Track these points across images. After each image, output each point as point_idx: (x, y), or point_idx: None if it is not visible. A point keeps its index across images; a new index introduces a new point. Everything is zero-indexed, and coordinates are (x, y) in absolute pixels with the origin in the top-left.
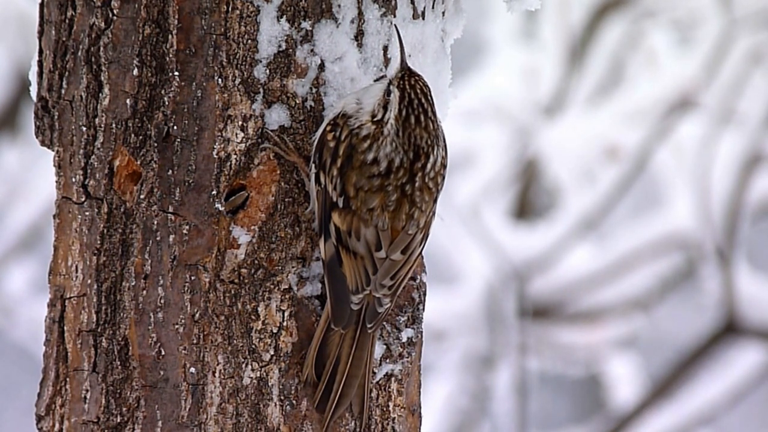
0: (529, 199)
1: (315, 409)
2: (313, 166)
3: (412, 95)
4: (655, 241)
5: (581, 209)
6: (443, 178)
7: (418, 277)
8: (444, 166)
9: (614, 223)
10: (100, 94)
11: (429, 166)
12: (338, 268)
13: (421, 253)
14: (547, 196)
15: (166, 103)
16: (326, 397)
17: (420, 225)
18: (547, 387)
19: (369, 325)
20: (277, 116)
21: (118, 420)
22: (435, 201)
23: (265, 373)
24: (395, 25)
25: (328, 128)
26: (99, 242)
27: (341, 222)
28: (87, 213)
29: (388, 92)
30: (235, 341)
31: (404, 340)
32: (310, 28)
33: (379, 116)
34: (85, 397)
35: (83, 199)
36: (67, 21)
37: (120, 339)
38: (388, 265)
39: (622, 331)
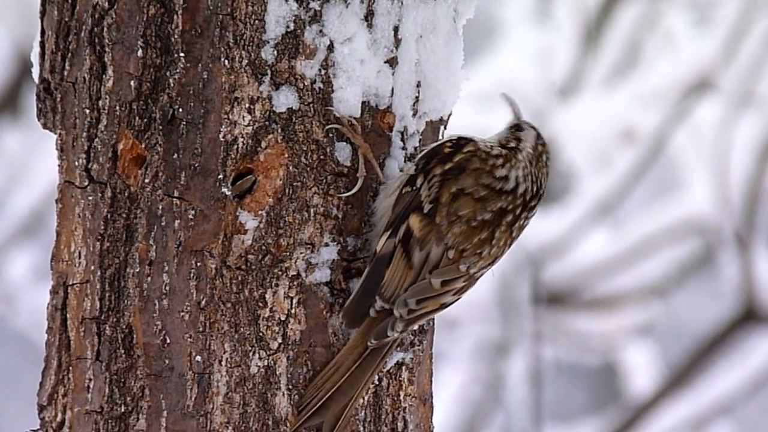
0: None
1: (296, 407)
2: (414, 167)
3: (543, 138)
4: (673, 226)
5: (597, 193)
6: (521, 233)
7: None
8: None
9: (631, 208)
10: (104, 76)
11: (532, 213)
12: (384, 267)
13: (449, 306)
14: (562, 179)
15: (172, 85)
16: (308, 400)
17: (475, 269)
18: (562, 375)
19: (372, 341)
20: (285, 98)
21: (122, 410)
22: (502, 254)
23: (272, 362)
24: (505, 94)
25: (449, 143)
26: (102, 227)
27: (419, 227)
28: (90, 197)
29: (517, 128)
30: (242, 329)
31: (415, 327)
32: (319, 8)
33: (513, 145)
34: (89, 387)
35: (86, 184)
36: (69, 1)
37: (124, 327)
38: (423, 286)
39: (639, 319)
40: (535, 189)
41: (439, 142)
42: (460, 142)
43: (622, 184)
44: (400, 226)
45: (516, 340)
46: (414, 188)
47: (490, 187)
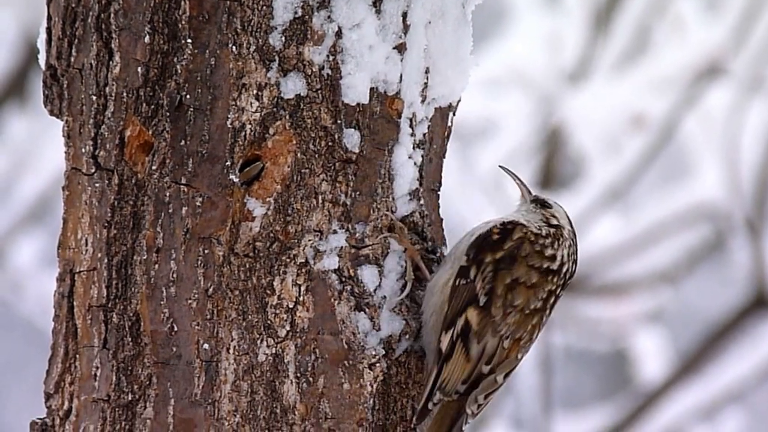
0: (553, 169)
1: None
2: (465, 258)
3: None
4: (683, 212)
5: (607, 179)
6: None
7: (439, 250)
8: None
9: (641, 194)
10: (111, 62)
11: (564, 289)
12: (446, 363)
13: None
14: (572, 165)
15: (179, 71)
16: None
17: (526, 352)
18: (572, 362)
19: None
20: (293, 85)
21: (130, 398)
22: (539, 334)
23: (280, 350)
24: (504, 167)
25: (496, 228)
26: (109, 215)
27: (477, 320)
28: (97, 184)
29: (543, 205)
30: (249, 316)
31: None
32: None
33: (555, 222)
34: (96, 375)
35: (93, 171)
36: None
37: (131, 314)
38: (489, 383)
39: (649, 305)
40: (574, 268)
41: (486, 228)
42: (508, 227)
43: (632, 169)
44: (457, 320)
45: None
46: (468, 280)
47: (540, 270)
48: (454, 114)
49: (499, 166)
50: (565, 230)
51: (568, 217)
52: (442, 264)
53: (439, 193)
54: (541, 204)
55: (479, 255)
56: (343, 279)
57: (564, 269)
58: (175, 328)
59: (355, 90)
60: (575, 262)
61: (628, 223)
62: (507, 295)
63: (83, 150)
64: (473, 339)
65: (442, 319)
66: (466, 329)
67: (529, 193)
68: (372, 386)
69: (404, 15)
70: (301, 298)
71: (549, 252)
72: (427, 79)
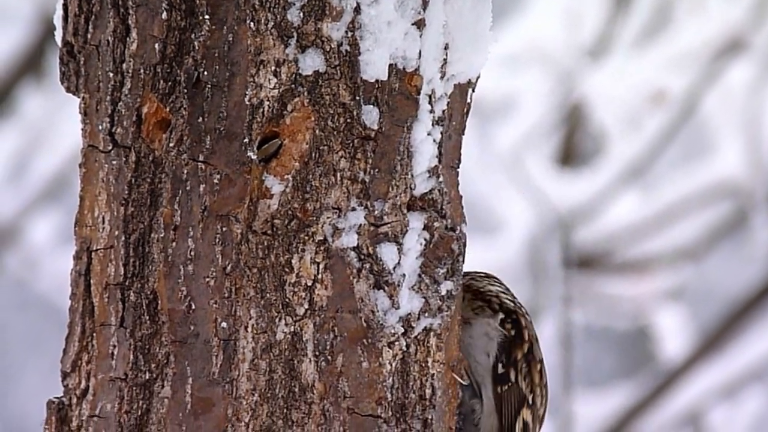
0: (573, 146)
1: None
2: (499, 365)
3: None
4: (704, 189)
5: (627, 156)
6: None
7: (458, 227)
8: None
9: (661, 171)
10: (128, 39)
11: None
12: None
13: None
14: (592, 142)
15: (196, 47)
16: None
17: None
18: (592, 340)
19: None
20: (312, 61)
21: (147, 377)
22: None
23: (299, 328)
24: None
25: (508, 324)
26: (126, 192)
27: (531, 418)
28: (114, 162)
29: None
30: (268, 295)
31: (443, 293)
32: None
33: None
34: (113, 353)
35: (110, 148)
36: None
37: (148, 293)
38: None
39: (670, 282)
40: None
41: (498, 332)
42: (513, 317)
43: (653, 146)
44: (514, 426)
45: (546, 304)
46: (510, 384)
47: (538, 341)
48: (473, 90)
49: None
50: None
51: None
52: (465, 387)
53: (458, 170)
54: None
55: (511, 356)
56: (362, 257)
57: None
58: (193, 307)
59: (374, 66)
60: None
61: (648, 200)
62: (541, 379)
63: (100, 127)
64: None
65: (497, 430)
66: (525, 430)
67: None
68: (391, 365)
69: None
70: (319, 276)
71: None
72: (447, 55)
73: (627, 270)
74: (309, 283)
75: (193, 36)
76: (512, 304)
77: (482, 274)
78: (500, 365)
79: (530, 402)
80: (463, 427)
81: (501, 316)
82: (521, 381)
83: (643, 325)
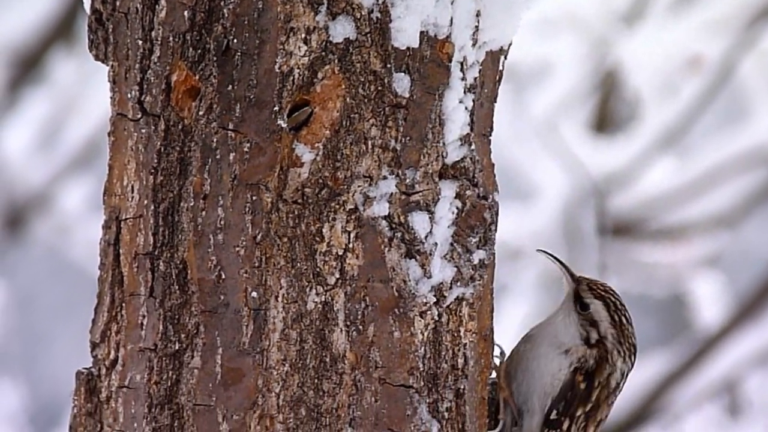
0: (608, 112)
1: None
2: (554, 412)
3: (607, 298)
4: (740, 155)
5: (663, 122)
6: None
7: (490, 196)
8: None
9: (698, 137)
10: (157, 6)
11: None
12: None
13: None
14: (627, 108)
15: (226, 15)
16: None
17: None
18: (628, 307)
19: None
20: (342, 29)
21: (177, 347)
22: None
23: (330, 297)
24: (547, 253)
25: (580, 376)
26: (156, 161)
27: None
28: (143, 130)
29: (582, 305)
30: (298, 264)
31: (476, 262)
32: None
33: (594, 337)
34: (142, 324)
35: (139, 116)
36: None
37: (178, 262)
38: None
39: (706, 249)
40: (633, 358)
41: (566, 376)
42: (588, 370)
43: (689, 112)
44: None
45: (581, 271)
46: (559, 430)
47: (613, 396)
48: (505, 58)
49: (538, 250)
50: (608, 340)
51: (608, 311)
52: (507, 411)
53: (490, 138)
54: (581, 305)
55: (570, 409)
56: (394, 225)
57: (624, 375)
58: (223, 276)
59: (405, 34)
60: (631, 347)
61: (684, 167)
62: (597, 426)
63: (129, 95)
64: None
65: None
66: None
67: (572, 278)
68: (423, 334)
69: None
70: (350, 245)
71: (613, 382)
72: (478, 22)
73: (663, 237)
74: (340, 253)
75: (222, 3)
76: (612, 329)
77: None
78: (554, 412)
79: None
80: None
81: (576, 364)
82: (573, 428)
83: (679, 293)
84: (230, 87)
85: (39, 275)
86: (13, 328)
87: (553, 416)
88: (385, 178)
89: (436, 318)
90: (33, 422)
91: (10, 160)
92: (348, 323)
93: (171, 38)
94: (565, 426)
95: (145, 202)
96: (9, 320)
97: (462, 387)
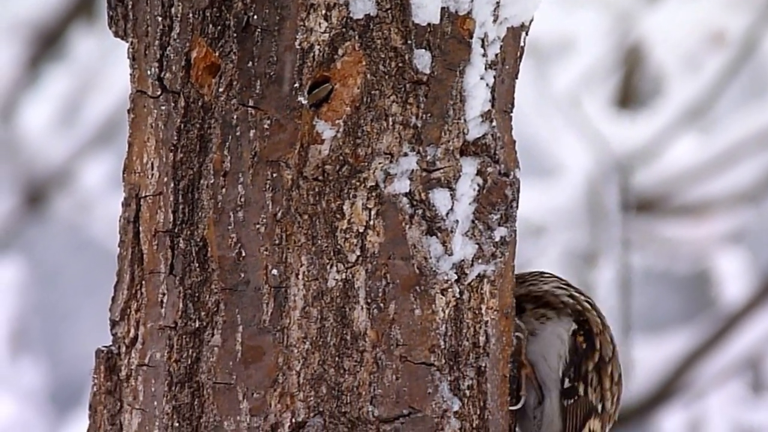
0: (631, 87)
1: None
2: (567, 380)
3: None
4: (764, 130)
5: (686, 97)
6: None
7: (512, 173)
8: None
9: (721, 112)
10: None
11: None
12: None
13: None
14: (650, 83)
15: None
16: None
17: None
18: (652, 284)
19: None
20: (363, 5)
21: (197, 325)
22: None
23: (350, 275)
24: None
25: (580, 336)
26: (176, 138)
27: (599, 426)
28: (163, 107)
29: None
30: (319, 241)
31: (497, 239)
32: None
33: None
34: (162, 302)
35: (159, 93)
36: None
37: (198, 240)
38: None
39: (730, 225)
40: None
41: (566, 341)
42: (587, 328)
43: (712, 87)
44: None
45: (604, 248)
46: (577, 397)
47: (607, 327)
48: (526, 34)
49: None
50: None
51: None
52: (530, 388)
53: (511, 114)
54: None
55: (580, 370)
56: (415, 203)
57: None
58: (243, 254)
59: (426, 10)
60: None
61: (708, 142)
62: (612, 384)
63: (148, 72)
64: None
65: None
66: None
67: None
68: (444, 312)
69: None
70: (371, 223)
71: (599, 316)
72: None
73: (686, 213)
74: (361, 230)
75: None
76: (571, 300)
77: (535, 274)
78: (567, 380)
79: (600, 411)
80: (523, 425)
81: (574, 326)
82: (591, 393)
83: (703, 269)
84: (250, 63)
85: (60, 252)
86: (33, 306)
87: (567, 385)
88: (405, 155)
89: (458, 295)
90: (54, 400)
91: (31, 137)
92: (369, 301)
93: (191, 14)
94: (581, 390)
95: (165, 179)
96: (30, 297)
97: (483, 365)
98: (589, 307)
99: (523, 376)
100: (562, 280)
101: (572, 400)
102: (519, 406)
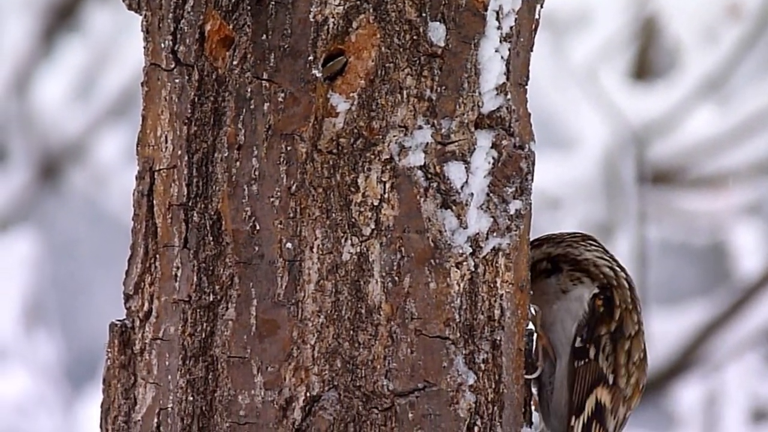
0: (648, 59)
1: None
2: (578, 339)
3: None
4: None
5: (703, 69)
6: None
7: (527, 145)
8: None
9: (738, 84)
10: None
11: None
12: None
13: None
14: (667, 55)
15: None
16: None
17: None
18: (668, 256)
19: None
20: None
21: (211, 299)
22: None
23: (365, 248)
24: None
25: (599, 300)
26: (190, 111)
27: (609, 399)
28: (177, 80)
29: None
30: (333, 215)
31: (512, 212)
32: None
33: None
34: (176, 275)
35: (173, 66)
36: None
37: (212, 213)
38: None
39: (747, 197)
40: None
41: (586, 303)
42: (607, 293)
43: (729, 59)
44: (584, 403)
45: (621, 220)
46: (587, 360)
47: (637, 315)
48: (541, 6)
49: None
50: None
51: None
52: (546, 358)
53: (526, 87)
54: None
55: (594, 333)
56: (429, 176)
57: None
58: (257, 227)
59: None
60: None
61: (725, 114)
62: (628, 362)
63: (162, 45)
64: (608, 416)
65: (566, 405)
66: (598, 409)
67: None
68: (459, 285)
69: None
70: (386, 196)
71: (632, 297)
72: None
73: (703, 185)
74: (375, 203)
75: None
76: (611, 272)
77: (578, 237)
78: (578, 339)
79: (610, 382)
80: (540, 395)
81: (595, 290)
82: (601, 359)
83: (720, 241)
84: (264, 36)
85: (75, 226)
86: (49, 279)
87: (578, 344)
88: (420, 127)
89: (473, 269)
90: (69, 374)
91: (46, 111)
92: (383, 274)
93: None
94: (591, 353)
95: (179, 152)
96: (45, 271)
97: (498, 338)
98: (620, 283)
99: (540, 347)
100: (607, 252)
101: (582, 362)
102: (536, 374)
